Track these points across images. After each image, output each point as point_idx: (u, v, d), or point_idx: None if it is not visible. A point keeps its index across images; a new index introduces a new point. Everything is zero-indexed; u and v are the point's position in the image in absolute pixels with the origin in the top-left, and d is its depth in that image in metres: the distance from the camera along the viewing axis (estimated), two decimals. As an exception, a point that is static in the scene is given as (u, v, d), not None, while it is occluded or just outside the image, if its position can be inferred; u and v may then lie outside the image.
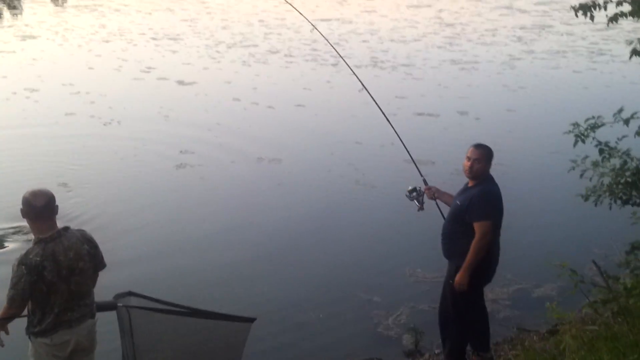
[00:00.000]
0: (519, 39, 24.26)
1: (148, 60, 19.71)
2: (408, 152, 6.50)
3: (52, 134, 12.70)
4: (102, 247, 4.61)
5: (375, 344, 6.54)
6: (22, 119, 13.74)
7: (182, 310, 4.48)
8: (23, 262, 4.15)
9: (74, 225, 4.55)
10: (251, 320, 4.55)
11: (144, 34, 24.19)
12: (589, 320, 4.75)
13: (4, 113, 14.31)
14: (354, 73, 7.42)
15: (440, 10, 30.40)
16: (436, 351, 6.26)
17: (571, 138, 4.91)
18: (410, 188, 6.16)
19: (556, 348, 4.80)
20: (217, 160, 11.52)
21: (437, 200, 6.07)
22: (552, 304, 5.00)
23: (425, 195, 6.09)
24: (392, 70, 19.15)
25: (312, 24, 7.96)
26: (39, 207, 4.21)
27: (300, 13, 8.24)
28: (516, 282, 7.59)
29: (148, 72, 18.30)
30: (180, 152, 11.81)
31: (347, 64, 7.63)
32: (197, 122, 13.76)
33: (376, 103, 6.83)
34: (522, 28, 26.46)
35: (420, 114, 14.55)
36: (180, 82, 17.17)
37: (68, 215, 8.58)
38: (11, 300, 4.18)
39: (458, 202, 5.54)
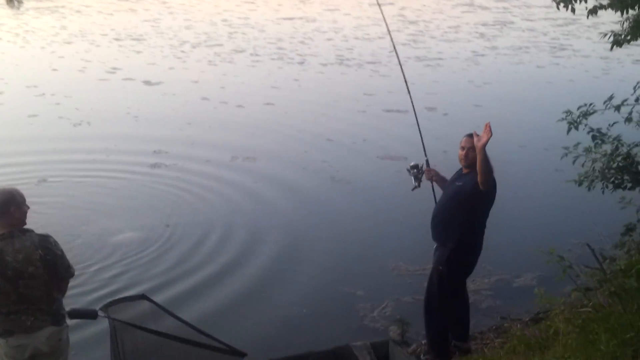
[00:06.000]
0: (482, 35, 24.63)
1: (112, 60, 19.45)
2: (420, 134, 6.40)
3: (19, 136, 12.49)
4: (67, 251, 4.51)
5: (362, 337, 6.50)
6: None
7: (167, 333, 4.25)
8: None
9: (39, 227, 4.46)
10: (242, 354, 4.36)
11: (106, 34, 23.85)
12: (578, 304, 4.88)
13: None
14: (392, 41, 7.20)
15: (403, 8, 30.61)
16: (423, 341, 6.32)
17: (543, 129, 5.08)
18: (413, 164, 6.10)
19: (546, 332, 4.92)
20: (191, 159, 11.43)
21: (434, 183, 6.09)
22: (540, 289, 5.14)
23: (424, 175, 6.06)
24: (359, 67, 19.24)
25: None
26: None
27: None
28: (496, 272, 7.72)
29: (113, 72, 18.07)
30: (154, 152, 11.70)
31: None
32: (168, 122, 13.64)
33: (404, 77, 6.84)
34: (484, 24, 26.87)
35: (389, 111, 14.68)
36: (147, 82, 17.00)
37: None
38: None
39: (459, 184, 5.57)
